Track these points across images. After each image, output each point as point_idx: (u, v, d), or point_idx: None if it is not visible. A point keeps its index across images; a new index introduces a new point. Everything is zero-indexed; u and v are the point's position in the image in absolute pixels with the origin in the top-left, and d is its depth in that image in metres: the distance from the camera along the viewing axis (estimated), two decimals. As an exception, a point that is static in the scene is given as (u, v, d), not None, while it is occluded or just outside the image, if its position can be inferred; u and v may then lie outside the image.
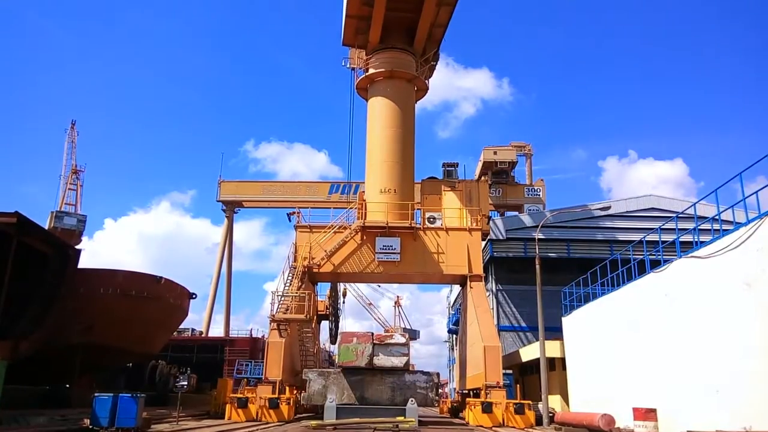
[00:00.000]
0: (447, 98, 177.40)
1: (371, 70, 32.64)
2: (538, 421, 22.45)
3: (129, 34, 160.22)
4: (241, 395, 24.17)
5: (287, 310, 25.46)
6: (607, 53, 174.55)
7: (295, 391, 26.88)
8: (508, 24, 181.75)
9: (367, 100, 33.50)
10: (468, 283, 28.75)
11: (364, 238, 29.22)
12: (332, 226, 29.53)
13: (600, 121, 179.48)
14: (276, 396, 23.60)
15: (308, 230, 29.54)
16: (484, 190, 32.35)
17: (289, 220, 30.30)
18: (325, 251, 28.72)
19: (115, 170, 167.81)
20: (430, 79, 34.89)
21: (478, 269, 29.01)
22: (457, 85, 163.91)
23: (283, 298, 26.04)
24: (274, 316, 25.33)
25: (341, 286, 43.76)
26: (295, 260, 28.62)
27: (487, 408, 22.80)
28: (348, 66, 34.82)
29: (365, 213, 29.79)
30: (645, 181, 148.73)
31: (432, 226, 30.08)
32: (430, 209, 30.81)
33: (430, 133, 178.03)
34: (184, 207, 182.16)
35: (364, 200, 30.76)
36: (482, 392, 24.06)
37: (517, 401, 23.38)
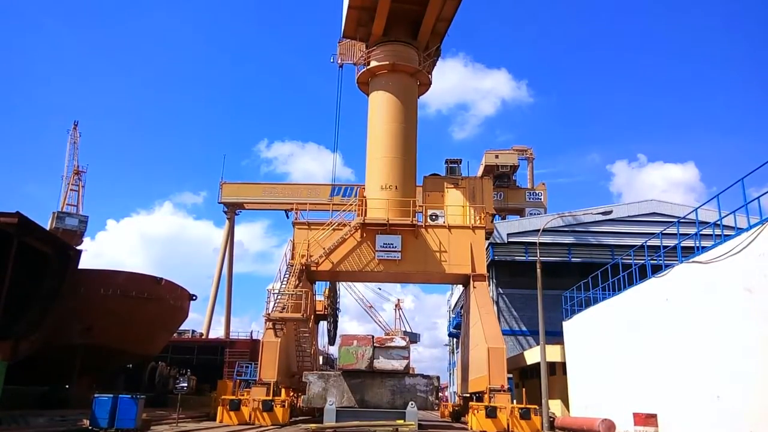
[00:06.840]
0: (464, 99, 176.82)
1: (373, 63, 31.58)
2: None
3: (144, 34, 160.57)
4: (233, 397, 23.29)
5: (283, 308, 24.62)
6: (617, 55, 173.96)
7: (291, 394, 26.31)
8: (523, 26, 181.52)
9: (368, 95, 32.51)
10: (471, 282, 27.71)
11: (364, 235, 28.26)
12: (331, 223, 28.61)
13: (611, 125, 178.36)
14: (270, 398, 22.67)
15: (306, 227, 28.65)
16: (488, 187, 31.17)
17: (287, 217, 29.87)
18: (324, 249, 27.82)
19: (120, 172, 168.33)
20: (431, 74, 33.60)
21: (482, 268, 27.98)
22: (474, 86, 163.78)
23: (279, 297, 25.18)
24: (269, 314, 24.38)
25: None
26: (292, 258, 27.70)
27: (492, 412, 21.69)
28: (338, 62, 33.82)
29: (365, 210, 28.82)
30: (655, 185, 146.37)
31: (434, 223, 29.03)
32: (433, 206, 29.72)
33: (444, 135, 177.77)
34: (187, 209, 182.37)
35: (365, 197, 29.76)
36: (486, 396, 22.91)
37: (522, 406, 22.10)
